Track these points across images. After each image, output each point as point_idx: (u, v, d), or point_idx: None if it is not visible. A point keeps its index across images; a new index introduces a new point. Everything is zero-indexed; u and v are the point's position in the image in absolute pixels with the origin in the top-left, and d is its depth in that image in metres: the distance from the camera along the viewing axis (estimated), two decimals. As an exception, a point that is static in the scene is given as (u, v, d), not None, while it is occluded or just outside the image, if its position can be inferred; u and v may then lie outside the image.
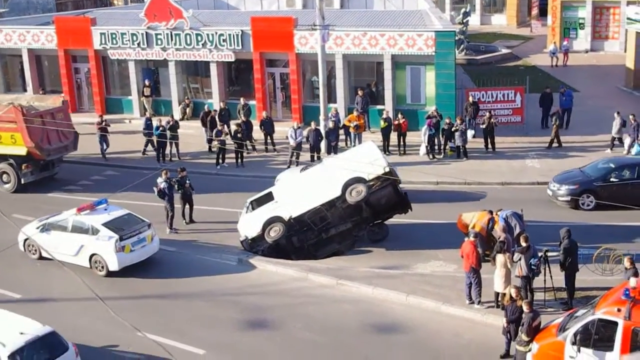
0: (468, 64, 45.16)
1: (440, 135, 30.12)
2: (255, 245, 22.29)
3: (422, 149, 30.18)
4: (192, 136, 32.08)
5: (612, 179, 24.44)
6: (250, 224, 22.23)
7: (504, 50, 48.81)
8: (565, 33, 48.52)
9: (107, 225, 21.16)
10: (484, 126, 30.25)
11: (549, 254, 18.32)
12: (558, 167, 27.31)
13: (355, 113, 30.99)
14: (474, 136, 31.21)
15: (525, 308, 15.66)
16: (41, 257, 21.98)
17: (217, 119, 31.37)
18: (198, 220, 24.59)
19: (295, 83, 33.94)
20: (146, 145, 31.47)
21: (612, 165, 24.94)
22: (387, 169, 21.82)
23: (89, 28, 36.21)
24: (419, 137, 30.37)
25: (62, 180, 29.20)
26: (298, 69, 33.82)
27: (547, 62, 45.33)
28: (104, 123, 31.46)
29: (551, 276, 18.22)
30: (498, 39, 53.32)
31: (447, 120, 29.71)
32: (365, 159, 21.81)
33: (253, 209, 22.40)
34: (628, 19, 39.24)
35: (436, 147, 30.20)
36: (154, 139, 30.59)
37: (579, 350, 14.52)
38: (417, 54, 31.79)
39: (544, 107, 32.60)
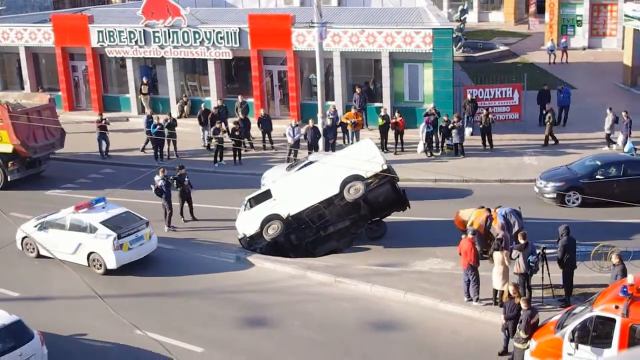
0: (466, 62, 45.20)
1: (438, 133, 30.14)
2: (254, 243, 22.28)
3: (420, 147, 30.19)
4: (190, 134, 32.06)
5: (598, 177, 24.58)
6: (248, 222, 22.23)
7: (502, 48, 48.87)
8: (562, 30, 48.58)
9: (105, 223, 21.16)
10: (481, 126, 30.24)
11: (547, 251, 18.35)
12: (556, 164, 27.29)
13: (353, 111, 30.99)
14: (472, 133, 31.24)
15: (523, 305, 15.67)
16: (39, 256, 21.96)
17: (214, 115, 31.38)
18: (196, 217, 24.59)
19: (293, 81, 33.93)
20: (146, 143, 31.42)
21: (598, 163, 25.10)
22: (385, 167, 21.83)
23: (87, 26, 36.18)
24: (416, 135, 30.38)
25: (60, 179, 29.19)
26: (296, 66, 33.81)
27: (545, 59, 45.37)
28: (103, 121, 31.44)
29: (549, 273, 18.23)
30: (496, 36, 53.37)
31: (445, 118, 29.72)
32: (363, 157, 21.82)
33: (251, 206, 22.41)
34: (625, 16, 39.28)
35: (434, 145, 30.21)
36: (151, 136, 30.57)
37: (577, 347, 14.54)
38: (414, 51, 31.80)
39: (541, 104, 32.59)
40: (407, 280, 19.97)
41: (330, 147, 29.54)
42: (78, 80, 38.40)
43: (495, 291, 18.45)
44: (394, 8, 39.26)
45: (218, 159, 30.03)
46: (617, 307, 14.25)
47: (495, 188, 26.44)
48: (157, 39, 34.99)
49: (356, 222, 22.40)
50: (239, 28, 33.89)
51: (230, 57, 34.69)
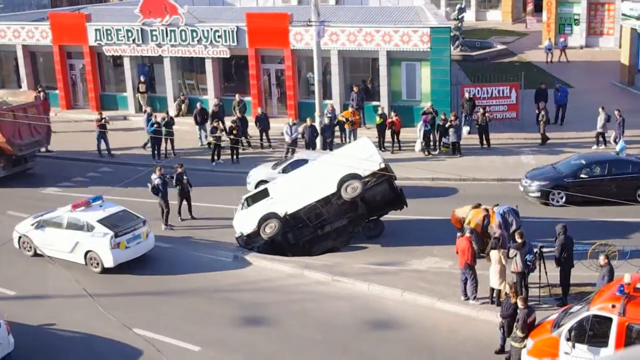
0: (463, 60, 45.19)
1: (436, 132, 30.13)
2: (251, 242, 22.26)
3: (418, 145, 30.19)
4: (187, 132, 32.03)
5: (582, 175, 24.62)
6: (245, 221, 22.21)
7: (499, 47, 48.85)
8: (560, 29, 48.59)
9: (102, 221, 21.14)
10: (477, 124, 30.23)
11: (544, 250, 18.36)
12: (554, 162, 27.30)
13: (350, 109, 30.98)
14: (469, 132, 31.24)
15: (520, 304, 15.70)
16: (36, 254, 21.92)
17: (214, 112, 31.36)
18: (194, 216, 24.57)
19: (290, 79, 33.91)
20: (148, 140, 31.29)
21: (583, 162, 25.16)
22: (383, 165, 21.83)
23: (84, 24, 36.12)
24: (414, 134, 30.38)
25: (57, 177, 29.14)
26: (293, 65, 33.79)
27: (543, 58, 45.38)
28: (103, 120, 31.39)
29: (546, 272, 18.25)
30: (493, 35, 53.36)
31: (443, 117, 29.72)
32: (360, 155, 21.81)
33: (248, 205, 22.40)
34: (623, 15, 39.31)
35: (431, 143, 30.21)
36: (149, 134, 30.54)
37: (573, 346, 14.56)
38: (412, 50, 31.79)
39: (538, 103, 32.60)
40: (404, 279, 19.97)
41: (328, 145, 29.54)
42: (75, 78, 38.35)
43: (492, 290, 18.47)
44: (391, 7, 39.23)
45: (215, 157, 30.00)
46: (613, 306, 14.27)
47: (492, 187, 26.45)
48: (154, 38, 34.95)
49: (353, 220, 22.39)
50: (237, 26, 33.86)
51: (228, 56, 34.65)
